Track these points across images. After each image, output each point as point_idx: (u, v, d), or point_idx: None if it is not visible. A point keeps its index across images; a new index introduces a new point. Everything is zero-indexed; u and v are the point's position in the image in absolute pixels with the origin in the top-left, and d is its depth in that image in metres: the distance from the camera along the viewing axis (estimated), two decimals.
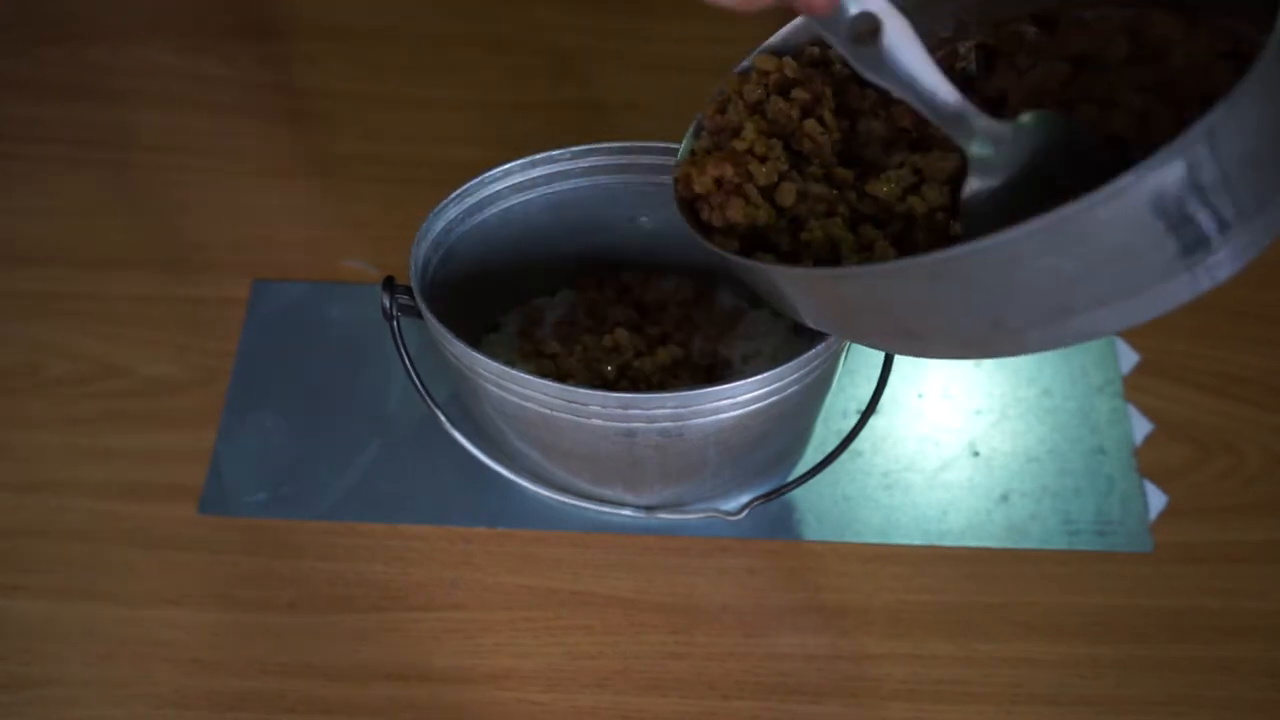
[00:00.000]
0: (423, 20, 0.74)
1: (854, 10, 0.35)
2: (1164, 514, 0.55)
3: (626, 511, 0.52)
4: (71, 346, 0.59)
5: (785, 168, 0.42)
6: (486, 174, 0.49)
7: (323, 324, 0.60)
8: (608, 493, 0.51)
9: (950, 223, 0.39)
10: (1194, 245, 0.31)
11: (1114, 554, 0.54)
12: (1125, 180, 0.29)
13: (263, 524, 0.54)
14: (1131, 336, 0.60)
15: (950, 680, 0.50)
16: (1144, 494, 0.55)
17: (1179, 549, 0.54)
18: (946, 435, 0.57)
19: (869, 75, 0.37)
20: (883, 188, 0.40)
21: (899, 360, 0.57)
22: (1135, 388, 0.59)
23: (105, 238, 0.63)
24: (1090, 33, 0.39)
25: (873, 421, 0.57)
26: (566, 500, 0.52)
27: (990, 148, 0.37)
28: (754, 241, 0.42)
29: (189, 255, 0.63)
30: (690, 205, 0.43)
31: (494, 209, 0.50)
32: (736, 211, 0.40)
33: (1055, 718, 0.50)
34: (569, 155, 0.49)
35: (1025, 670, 0.51)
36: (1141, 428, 0.57)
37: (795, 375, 0.43)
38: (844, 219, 0.41)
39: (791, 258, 0.41)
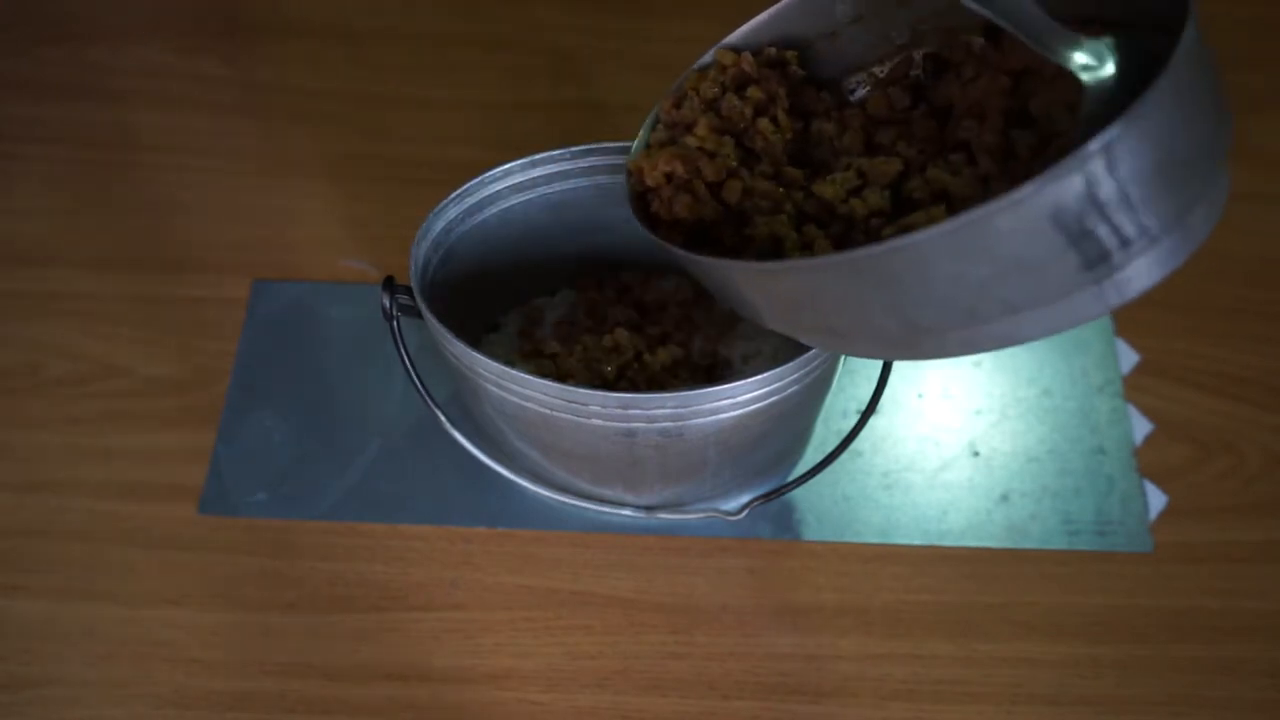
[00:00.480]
0: (423, 20, 0.74)
1: None
2: (1164, 514, 0.55)
3: (626, 511, 0.52)
4: (71, 346, 0.59)
5: (734, 165, 0.43)
6: (486, 174, 0.49)
7: (323, 324, 0.60)
8: (608, 493, 0.51)
9: (884, 228, 0.40)
10: (1096, 260, 0.32)
11: (1114, 554, 0.54)
12: (1024, 191, 0.30)
13: (263, 524, 0.54)
14: (1131, 336, 0.60)
15: (950, 680, 0.50)
16: (1144, 494, 0.55)
17: (1179, 549, 0.54)
18: (946, 435, 0.57)
19: (969, 5, 0.36)
20: (828, 190, 0.41)
21: (899, 361, 0.57)
22: (1135, 388, 0.59)
23: (106, 238, 0.63)
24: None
25: (873, 421, 0.57)
26: (566, 500, 0.52)
27: (1097, 67, 0.36)
28: (700, 236, 0.43)
29: (189, 255, 0.63)
30: (641, 197, 0.44)
31: (494, 209, 0.50)
32: (683, 208, 0.42)
33: (1055, 718, 0.50)
34: (569, 155, 0.49)
35: (1025, 670, 0.51)
36: (1141, 428, 0.57)
37: (795, 375, 0.43)
38: (789, 217, 0.42)
39: (734, 253, 0.42)
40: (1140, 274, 0.33)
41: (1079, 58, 0.36)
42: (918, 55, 0.44)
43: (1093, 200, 0.31)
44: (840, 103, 0.46)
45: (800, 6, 0.44)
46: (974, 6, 0.36)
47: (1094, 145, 0.30)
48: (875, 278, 0.34)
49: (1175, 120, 0.31)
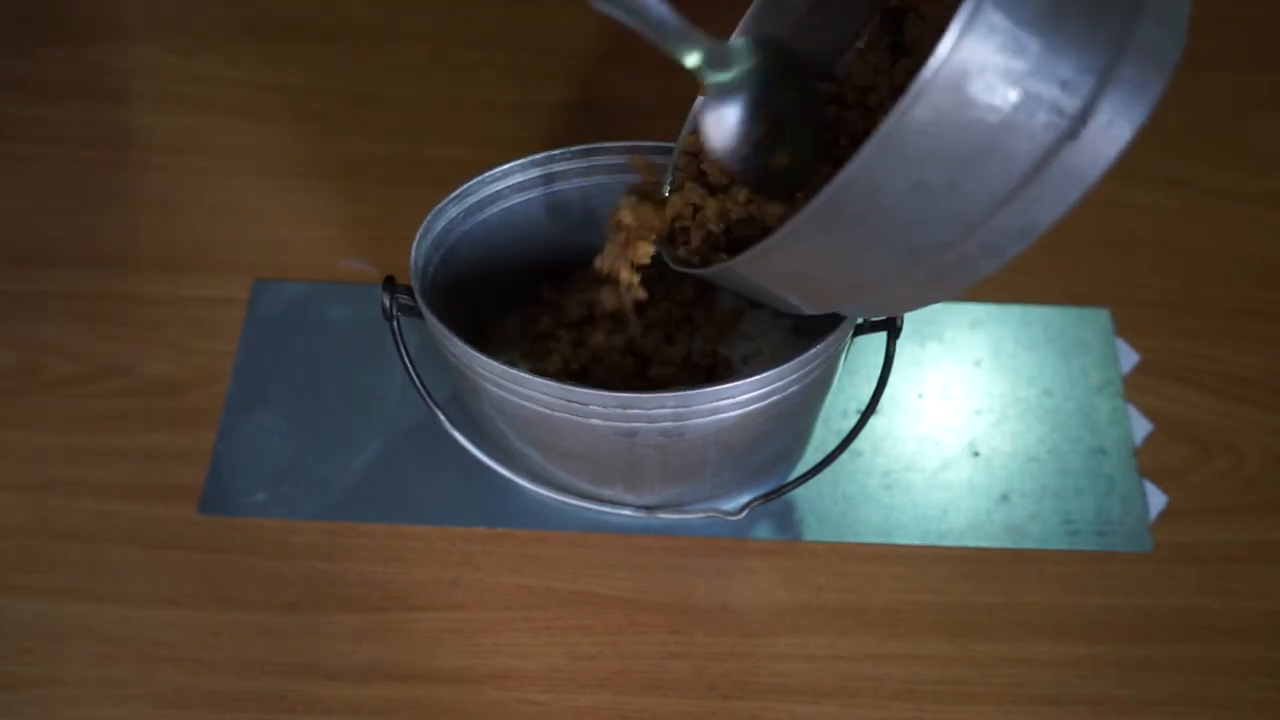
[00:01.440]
0: (423, 20, 0.74)
1: None
2: (1164, 514, 0.55)
3: (626, 511, 0.52)
4: (71, 346, 0.59)
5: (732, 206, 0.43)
6: (486, 174, 0.49)
7: (323, 324, 0.60)
8: (608, 493, 0.51)
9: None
10: (1052, 117, 0.30)
11: (1114, 554, 0.54)
12: (924, 76, 0.29)
13: (263, 524, 0.54)
14: (1131, 336, 0.60)
15: (950, 680, 0.50)
16: (1144, 494, 0.55)
17: (1179, 549, 0.54)
18: (946, 435, 0.57)
19: (598, 6, 0.36)
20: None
21: (899, 360, 0.57)
22: (1135, 388, 0.59)
23: (106, 238, 0.63)
24: None
25: (873, 421, 0.57)
26: (566, 500, 0.52)
27: (719, 70, 0.38)
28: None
29: (189, 255, 0.63)
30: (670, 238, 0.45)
31: (494, 209, 0.50)
32: (697, 240, 0.43)
33: (1055, 718, 0.50)
34: (569, 155, 0.49)
35: (1025, 670, 0.51)
36: (1141, 428, 0.57)
37: (795, 375, 0.43)
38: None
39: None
40: (1120, 109, 0.31)
41: (692, 59, 0.37)
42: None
43: (1000, 57, 0.29)
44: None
45: (760, 13, 0.44)
46: (601, 7, 0.36)
47: (970, 3, 0.28)
48: (847, 222, 0.33)
49: None
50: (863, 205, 0.32)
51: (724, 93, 0.40)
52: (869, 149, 0.30)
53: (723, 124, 0.40)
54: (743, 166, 0.41)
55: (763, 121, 0.40)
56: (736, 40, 0.40)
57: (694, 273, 0.41)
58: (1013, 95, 0.30)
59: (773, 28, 0.45)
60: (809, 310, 0.41)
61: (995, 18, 0.29)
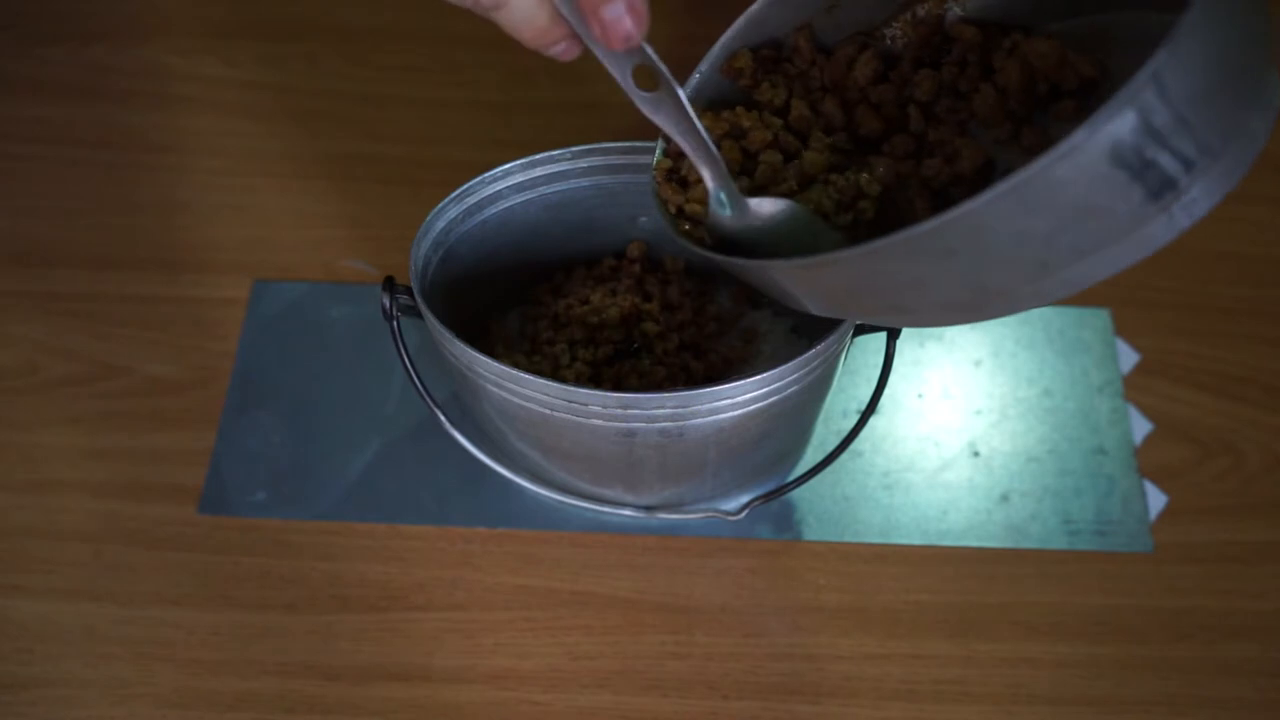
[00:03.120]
0: (423, 20, 0.74)
1: (637, 60, 0.38)
2: (1164, 514, 0.55)
3: (626, 511, 0.52)
4: (71, 346, 0.59)
5: (771, 136, 0.43)
6: (486, 174, 0.49)
7: (323, 324, 0.60)
8: (608, 493, 0.51)
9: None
10: (1162, 189, 0.31)
11: (1114, 554, 0.54)
12: (1078, 137, 0.29)
13: (263, 524, 0.54)
14: (1131, 336, 0.60)
15: (950, 680, 0.50)
16: (1144, 494, 0.55)
17: (1179, 549, 0.54)
18: (946, 435, 0.57)
19: (646, 111, 0.40)
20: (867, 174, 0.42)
21: (899, 360, 0.57)
22: (1135, 388, 0.59)
23: (105, 238, 0.63)
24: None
25: (873, 421, 0.57)
26: (566, 500, 0.52)
27: (730, 210, 0.41)
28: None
29: (189, 255, 0.63)
30: (679, 213, 0.44)
31: (494, 209, 0.50)
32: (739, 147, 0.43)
33: (1055, 718, 0.50)
34: (569, 155, 0.49)
35: (1025, 670, 0.51)
36: (1141, 428, 0.57)
37: (795, 375, 0.43)
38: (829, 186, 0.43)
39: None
40: (1207, 192, 0.32)
41: (720, 195, 0.41)
42: (920, 10, 0.44)
43: (1150, 131, 0.30)
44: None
45: None
46: (654, 119, 0.39)
47: (1142, 76, 0.29)
48: (934, 253, 0.33)
49: (1217, 32, 0.30)
50: (959, 242, 0.33)
51: (724, 229, 0.42)
52: (1002, 190, 0.30)
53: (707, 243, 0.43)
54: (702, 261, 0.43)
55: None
56: (777, 202, 0.42)
57: (720, 259, 0.40)
58: (1144, 165, 0.31)
59: (789, 15, 0.44)
60: (822, 314, 0.41)
61: (1160, 91, 0.30)
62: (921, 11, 0.44)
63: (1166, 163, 0.31)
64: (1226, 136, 0.32)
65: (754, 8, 0.44)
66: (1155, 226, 0.32)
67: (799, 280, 0.39)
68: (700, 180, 0.42)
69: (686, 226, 0.43)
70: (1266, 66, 0.33)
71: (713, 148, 0.40)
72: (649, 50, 0.38)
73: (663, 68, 0.38)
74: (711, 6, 0.69)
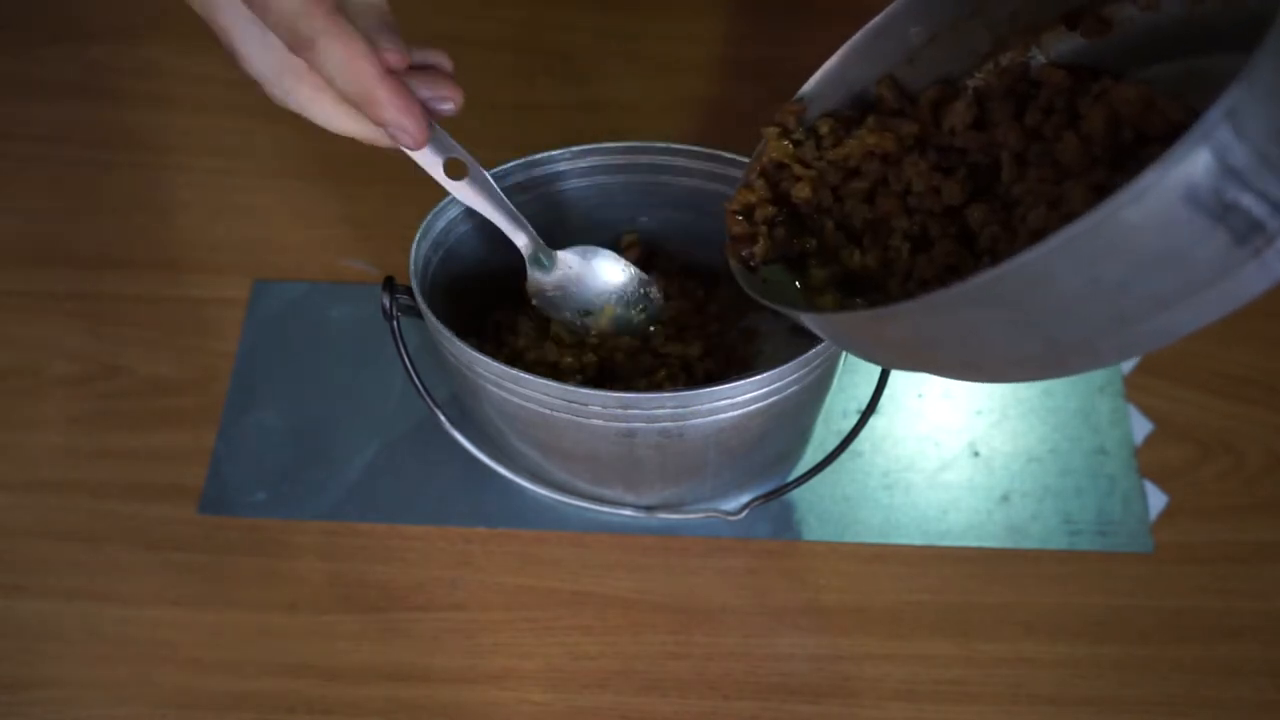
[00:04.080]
0: (423, 20, 0.74)
1: (444, 156, 0.44)
2: (1164, 514, 0.55)
3: (626, 511, 0.52)
4: (71, 346, 0.59)
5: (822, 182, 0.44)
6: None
7: (323, 324, 0.60)
8: (608, 493, 0.51)
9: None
10: (1249, 232, 0.29)
11: (1114, 554, 0.54)
12: (1148, 178, 0.28)
13: (263, 524, 0.54)
14: None
15: (950, 680, 0.50)
16: (1144, 494, 0.55)
17: (1179, 549, 0.54)
18: (946, 435, 0.57)
19: (460, 197, 0.45)
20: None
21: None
22: (1135, 388, 0.59)
23: (106, 238, 0.63)
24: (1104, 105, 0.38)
25: (873, 421, 0.57)
26: (566, 500, 0.52)
27: (546, 272, 0.48)
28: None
29: (189, 255, 0.63)
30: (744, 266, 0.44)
31: None
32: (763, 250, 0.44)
33: (1055, 718, 0.50)
34: (569, 155, 0.49)
35: (1025, 670, 0.51)
36: (1142, 428, 0.57)
37: (795, 375, 0.43)
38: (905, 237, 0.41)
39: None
40: None
41: (538, 266, 0.47)
42: (1004, 60, 0.43)
43: (1228, 170, 0.28)
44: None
45: (869, 42, 0.43)
46: (466, 201, 0.45)
47: (1215, 113, 0.27)
48: (997, 305, 0.32)
49: None
50: (1025, 293, 0.31)
51: (542, 284, 0.49)
52: (1062, 238, 0.29)
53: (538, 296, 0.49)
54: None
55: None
56: (569, 253, 0.48)
57: (783, 310, 0.40)
58: (1225, 208, 0.29)
59: (871, 66, 0.44)
60: (899, 369, 0.40)
61: (1238, 128, 0.28)
62: (1005, 60, 0.43)
63: (1250, 204, 0.29)
64: None
65: (831, 63, 0.44)
66: (1247, 274, 0.30)
67: (860, 332, 0.37)
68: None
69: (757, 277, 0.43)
70: None
71: (520, 218, 0.46)
72: (450, 141, 0.44)
73: (466, 155, 0.44)
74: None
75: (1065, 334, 0.33)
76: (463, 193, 0.45)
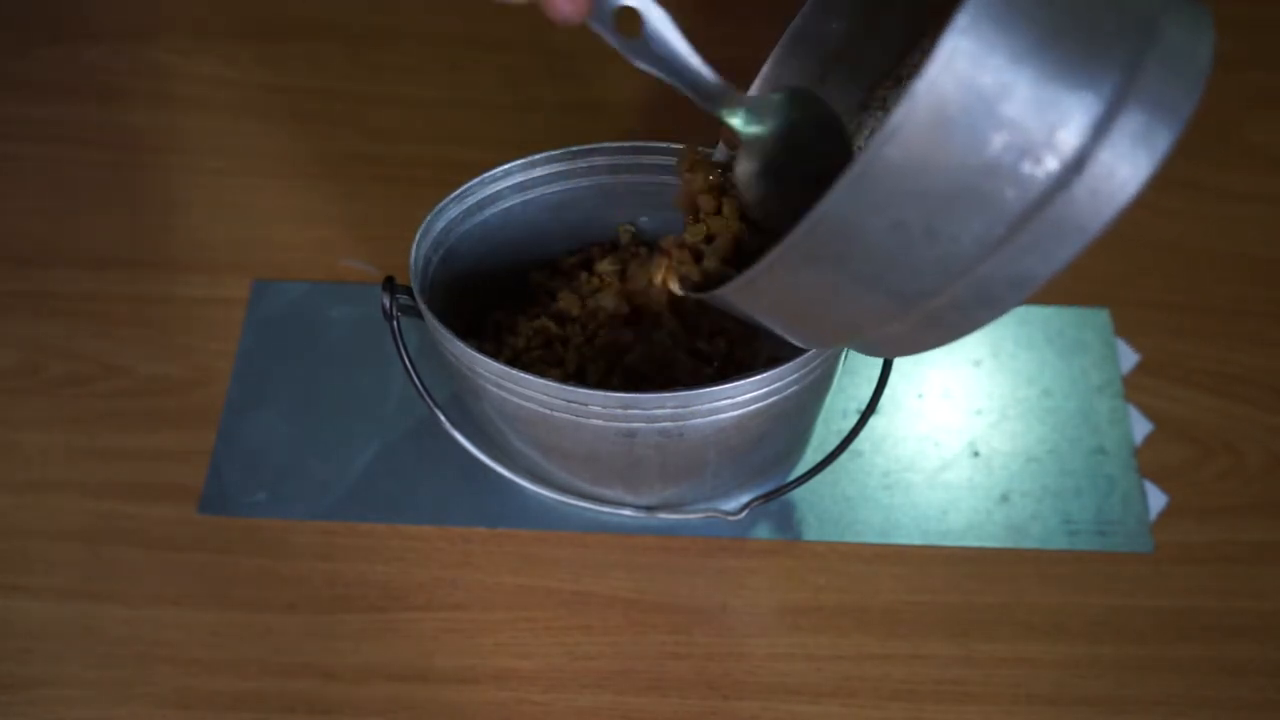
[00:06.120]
0: (423, 20, 0.74)
1: (615, 4, 0.37)
2: (1164, 514, 0.55)
3: (626, 511, 0.52)
4: (71, 346, 0.59)
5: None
6: (486, 174, 0.49)
7: (323, 324, 0.60)
8: (608, 493, 0.51)
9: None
10: (1043, 161, 0.29)
11: (1114, 554, 0.54)
12: (898, 115, 0.27)
13: (263, 524, 0.54)
14: (1131, 336, 0.60)
15: (950, 680, 0.50)
16: (1144, 494, 0.55)
17: (1179, 549, 0.54)
18: (946, 435, 0.57)
19: (637, 62, 0.39)
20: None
21: (899, 360, 0.57)
22: (1135, 388, 0.59)
23: (105, 238, 0.63)
24: None
25: (873, 421, 0.57)
26: (566, 500, 0.52)
27: (755, 124, 0.40)
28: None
29: (189, 255, 0.63)
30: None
31: (494, 209, 0.50)
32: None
33: (1055, 718, 0.50)
34: (569, 155, 0.49)
35: (1025, 670, 0.51)
36: (1141, 428, 0.57)
37: (795, 375, 0.43)
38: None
39: None
40: (1121, 160, 0.29)
41: (735, 119, 0.40)
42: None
43: (979, 99, 0.28)
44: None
45: (790, 47, 0.44)
46: (645, 67, 0.38)
47: (947, 44, 0.27)
48: (828, 259, 0.32)
49: None
50: (842, 243, 0.31)
51: (759, 146, 0.40)
52: (840, 186, 0.29)
53: (756, 178, 0.41)
54: (774, 221, 0.41)
55: (796, 178, 0.40)
56: (773, 95, 0.40)
57: (696, 296, 0.41)
58: (995, 138, 0.28)
59: (800, 67, 0.44)
60: (806, 346, 0.41)
61: (976, 53, 0.27)
62: (918, 58, 0.43)
63: (1023, 133, 0.28)
64: (1108, 98, 0.29)
65: (766, 68, 0.45)
66: (1070, 206, 0.29)
67: (744, 304, 0.38)
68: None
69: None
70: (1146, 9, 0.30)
71: (713, 74, 0.39)
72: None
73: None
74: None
75: (903, 286, 0.33)
76: (635, 54, 0.39)
